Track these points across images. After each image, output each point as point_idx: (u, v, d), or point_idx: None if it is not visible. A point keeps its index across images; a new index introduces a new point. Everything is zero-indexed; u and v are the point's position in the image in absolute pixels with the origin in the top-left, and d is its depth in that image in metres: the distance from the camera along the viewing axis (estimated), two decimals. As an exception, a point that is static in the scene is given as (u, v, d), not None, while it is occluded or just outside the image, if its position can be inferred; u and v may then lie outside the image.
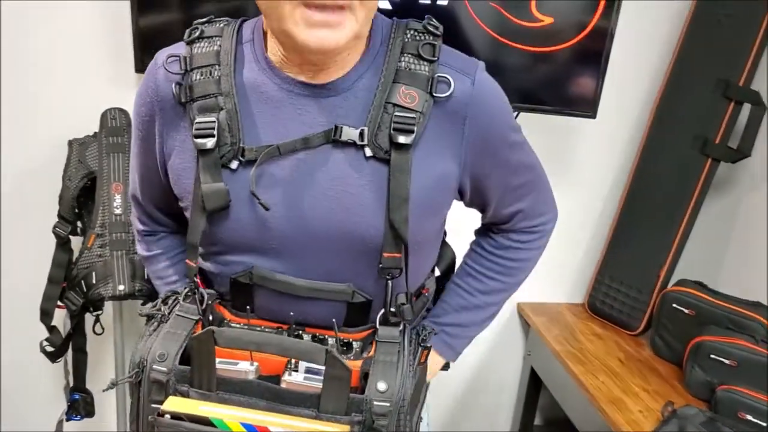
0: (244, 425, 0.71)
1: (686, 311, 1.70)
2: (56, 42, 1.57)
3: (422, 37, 0.83)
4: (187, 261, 0.86)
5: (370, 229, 0.82)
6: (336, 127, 0.80)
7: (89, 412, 1.60)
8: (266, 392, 0.77)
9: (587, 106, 1.58)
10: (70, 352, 1.58)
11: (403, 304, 0.85)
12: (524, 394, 2.05)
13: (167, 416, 0.73)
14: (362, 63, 0.81)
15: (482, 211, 0.99)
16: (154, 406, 0.78)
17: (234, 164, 0.81)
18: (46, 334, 1.54)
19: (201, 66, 0.82)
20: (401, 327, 0.84)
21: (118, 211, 1.43)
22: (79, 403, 1.57)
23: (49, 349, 1.52)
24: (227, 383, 0.77)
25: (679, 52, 1.78)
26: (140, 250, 1.02)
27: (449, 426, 2.15)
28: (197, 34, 0.84)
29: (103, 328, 1.55)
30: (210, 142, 0.79)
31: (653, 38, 1.82)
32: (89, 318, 1.53)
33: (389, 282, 0.83)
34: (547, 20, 1.50)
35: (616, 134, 1.91)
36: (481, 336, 1.98)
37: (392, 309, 0.85)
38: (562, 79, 1.58)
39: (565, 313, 1.99)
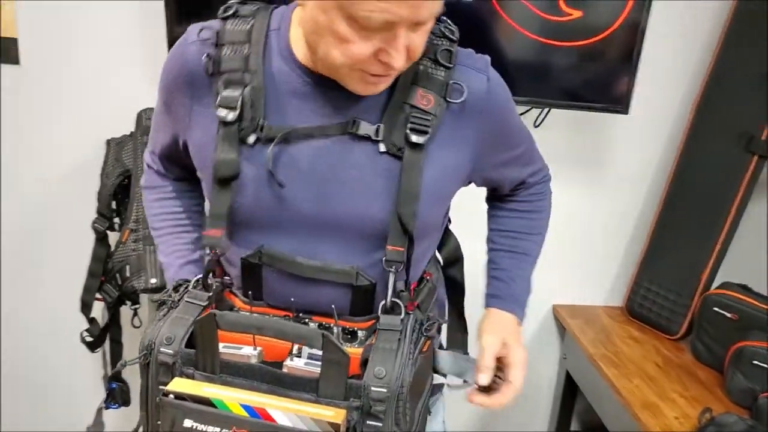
0: (244, 406, 0.72)
1: (728, 315, 1.63)
2: (96, 47, 1.65)
3: (440, 42, 0.86)
4: (209, 231, 0.86)
5: (380, 213, 0.84)
6: (354, 121, 0.83)
7: (126, 401, 1.65)
8: (268, 376, 0.77)
9: (619, 101, 1.54)
10: (108, 344, 1.64)
11: (402, 291, 0.86)
12: (560, 397, 2.00)
13: (171, 396, 0.75)
14: None
15: (496, 187, 1.05)
16: (161, 387, 0.79)
17: (251, 138, 0.83)
18: (86, 325, 1.60)
19: (232, 42, 0.85)
20: (402, 315, 0.84)
21: (151, 207, 1.48)
22: (117, 392, 1.62)
23: (89, 339, 1.59)
24: (230, 367, 0.79)
25: (722, 46, 1.71)
26: (142, 181, 1.07)
27: (483, 427, 2.12)
28: (231, 12, 0.87)
29: (141, 321, 1.61)
30: (231, 115, 0.82)
31: (693, 33, 1.77)
32: (125, 310, 1.59)
33: (391, 274, 0.84)
34: (576, 14, 1.48)
35: (654, 132, 1.85)
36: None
37: (394, 299, 0.85)
38: (592, 73, 1.55)
39: (602, 316, 1.94)
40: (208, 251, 0.88)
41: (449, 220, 1.07)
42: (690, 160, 1.78)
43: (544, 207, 1.09)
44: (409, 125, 0.82)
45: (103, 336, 1.61)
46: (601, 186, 1.88)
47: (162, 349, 0.80)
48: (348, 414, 0.74)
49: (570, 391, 1.98)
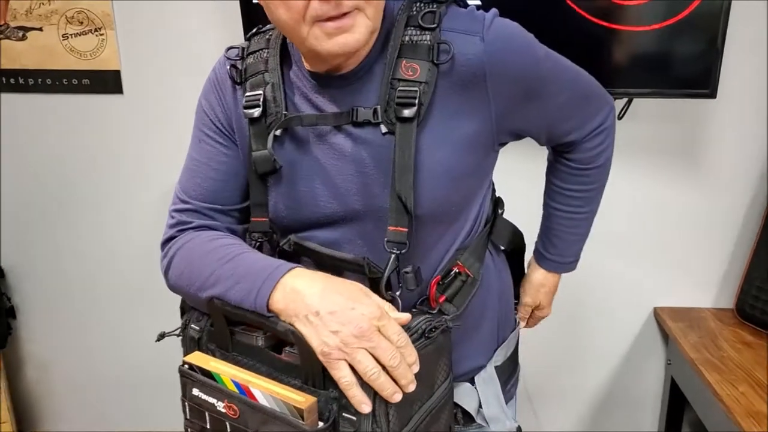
0: (234, 382, 0.77)
1: None
2: (192, 77, 1.76)
3: (423, 7, 0.84)
4: (253, 219, 0.91)
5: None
6: (353, 109, 0.84)
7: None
8: (267, 359, 0.79)
9: (704, 85, 1.43)
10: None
11: (407, 272, 0.84)
12: (666, 404, 1.86)
13: (186, 366, 0.82)
14: (376, 46, 0.84)
15: (538, 141, 1.00)
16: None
17: (279, 131, 0.88)
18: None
19: (255, 51, 0.91)
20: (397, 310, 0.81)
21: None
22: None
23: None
24: (241, 346, 0.82)
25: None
26: (178, 243, 0.92)
27: (585, 435, 2.03)
28: (255, 31, 0.94)
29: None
30: (256, 111, 0.87)
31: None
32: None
33: (392, 256, 0.83)
34: (649, -5, 1.40)
35: (755, 118, 1.68)
36: (616, 346, 1.87)
37: (391, 293, 0.84)
38: (671, 58, 1.45)
39: (708, 319, 1.79)
40: (257, 239, 0.92)
41: (501, 206, 1.03)
42: (803, 144, 1.61)
43: (605, 161, 1.04)
44: (397, 100, 0.81)
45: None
46: (701, 179, 1.74)
47: (192, 326, 0.87)
48: (327, 404, 0.73)
49: (677, 398, 1.83)
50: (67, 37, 1.77)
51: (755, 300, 1.70)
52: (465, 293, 0.93)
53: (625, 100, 1.59)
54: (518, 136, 0.95)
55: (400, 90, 0.81)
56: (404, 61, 0.81)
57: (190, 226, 0.93)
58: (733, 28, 1.42)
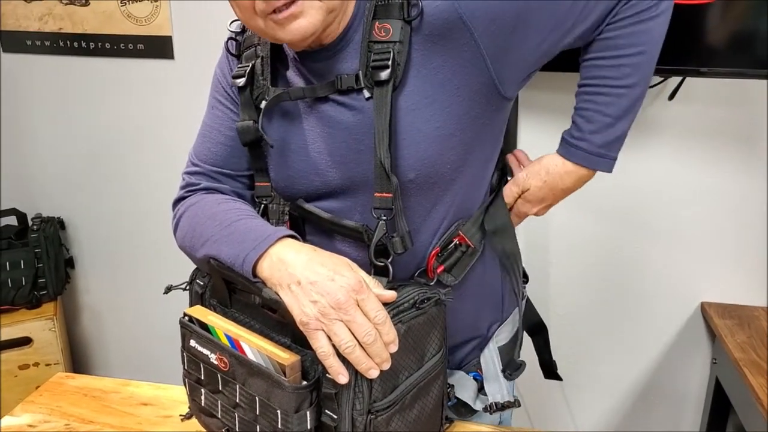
0: (226, 336, 0.80)
1: None
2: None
3: None
4: (257, 183, 0.94)
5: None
6: (337, 77, 0.83)
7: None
8: (260, 317, 0.82)
9: (762, 65, 1.31)
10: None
11: (393, 237, 0.82)
12: (709, 405, 1.76)
13: (186, 318, 0.86)
14: (355, 13, 0.83)
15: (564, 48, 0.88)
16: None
17: (262, 104, 0.89)
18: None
19: None
20: (389, 278, 0.82)
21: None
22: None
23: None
24: (239, 303, 0.85)
25: None
26: (187, 202, 0.95)
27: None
28: None
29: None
30: (240, 81, 0.89)
31: None
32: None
33: (381, 223, 0.82)
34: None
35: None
36: (658, 339, 1.78)
37: (380, 260, 0.83)
38: (725, 34, 1.34)
39: (762, 318, 1.67)
40: (260, 202, 0.95)
41: (509, 174, 0.99)
42: None
43: (652, 15, 0.85)
44: (372, 63, 0.79)
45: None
46: (757, 166, 1.62)
47: (197, 281, 0.91)
48: (313, 364, 0.74)
49: (721, 400, 1.73)
50: (125, 3, 1.84)
51: (815, 301, 1.57)
52: (464, 263, 0.92)
53: (677, 80, 1.49)
54: (531, 71, 0.86)
55: (374, 53, 0.80)
56: (377, 23, 0.80)
57: (198, 187, 0.96)
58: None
